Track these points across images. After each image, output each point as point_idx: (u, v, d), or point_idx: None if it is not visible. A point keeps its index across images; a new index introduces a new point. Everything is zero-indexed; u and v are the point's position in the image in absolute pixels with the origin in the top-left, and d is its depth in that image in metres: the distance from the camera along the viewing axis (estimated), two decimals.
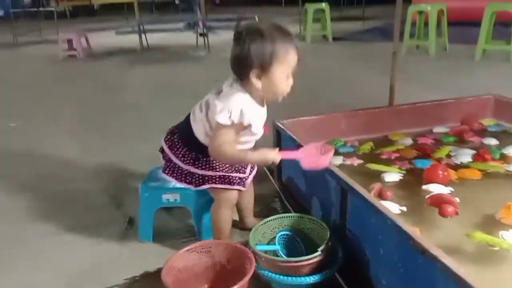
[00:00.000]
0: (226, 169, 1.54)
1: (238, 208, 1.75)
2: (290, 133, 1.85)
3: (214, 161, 1.52)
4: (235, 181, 1.55)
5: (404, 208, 1.60)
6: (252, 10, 14.18)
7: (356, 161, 2.01)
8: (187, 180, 1.55)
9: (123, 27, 11.16)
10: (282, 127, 1.95)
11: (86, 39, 7.49)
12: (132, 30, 10.00)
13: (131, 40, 8.69)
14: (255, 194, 1.80)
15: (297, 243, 1.52)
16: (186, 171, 1.54)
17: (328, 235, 1.39)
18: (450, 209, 1.53)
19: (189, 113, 1.56)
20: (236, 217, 1.77)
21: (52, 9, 11.78)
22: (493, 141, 2.14)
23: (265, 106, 1.51)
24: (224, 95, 1.41)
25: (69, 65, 6.64)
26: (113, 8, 17.12)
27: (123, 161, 2.56)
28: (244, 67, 1.37)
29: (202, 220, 1.70)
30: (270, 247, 1.46)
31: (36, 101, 4.32)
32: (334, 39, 7.76)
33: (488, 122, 2.39)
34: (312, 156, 1.43)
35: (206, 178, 1.53)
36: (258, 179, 2.10)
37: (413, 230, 1.10)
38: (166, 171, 1.57)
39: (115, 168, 2.48)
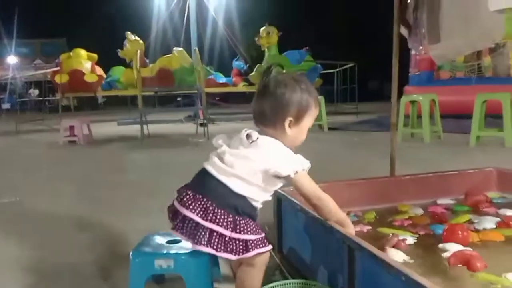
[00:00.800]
0: (260, 230, 1.44)
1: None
2: (293, 199, 1.78)
3: (251, 223, 1.40)
4: (267, 240, 1.45)
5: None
6: (250, 106, 14.80)
7: (365, 227, 1.93)
8: (229, 249, 1.36)
9: (126, 119, 11.52)
10: (284, 194, 1.89)
11: (88, 127, 7.68)
12: (134, 121, 10.31)
13: (132, 129, 8.91)
14: None
15: None
16: (227, 238, 1.35)
17: None
18: (479, 263, 1.45)
19: (202, 172, 1.46)
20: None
21: (57, 100, 12.23)
22: (508, 212, 2.06)
23: None
24: (263, 146, 1.40)
25: (69, 149, 6.71)
26: (116, 103, 17.87)
27: (118, 234, 2.45)
28: (281, 114, 1.41)
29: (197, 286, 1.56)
30: None
31: (34, 180, 4.28)
32: (330, 129, 7.98)
33: (492, 194, 2.34)
34: None
35: (250, 243, 1.37)
36: None
37: (431, 284, 1.00)
38: (203, 243, 1.34)
39: (108, 241, 2.36)
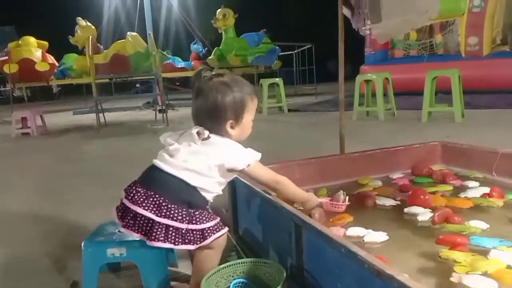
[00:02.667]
0: (214, 215, 1.47)
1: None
2: (245, 180, 1.81)
3: (204, 212, 1.43)
4: (222, 223, 1.49)
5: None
6: None
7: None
8: (187, 240, 1.37)
9: (81, 108, 11.19)
10: (236, 176, 1.91)
11: (41, 118, 7.42)
12: (90, 109, 10.03)
13: (88, 118, 8.67)
14: None
15: None
16: (184, 230, 1.37)
17: (284, 275, 1.31)
18: (457, 218, 1.69)
19: (152, 169, 1.45)
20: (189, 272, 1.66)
21: (8, 91, 11.71)
22: (471, 183, 2.14)
23: None
24: (216, 143, 1.46)
25: (22, 142, 6.47)
26: (72, 92, 17.26)
27: (71, 226, 2.42)
28: (218, 118, 1.45)
29: (152, 277, 1.57)
30: None
31: None
32: (289, 110, 8.06)
33: (437, 167, 2.45)
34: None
35: (206, 230, 1.40)
36: None
37: (368, 254, 1.06)
38: (161, 239, 1.35)
39: (61, 233, 2.33)
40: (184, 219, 1.37)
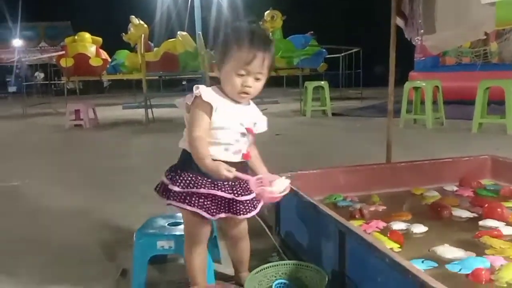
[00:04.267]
0: (184, 184, 1.41)
1: (232, 261, 1.68)
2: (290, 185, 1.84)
3: (177, 175, 1.43)
4: (195, 202, 1.40)
5: None
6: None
7: (380, 207, 2.04)
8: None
9: (131, 103, 11.59)
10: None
11: (93, 111, 7.75)
12: (139, 105, 10.38)
13: (137, 113, 8.98)
14: (251, 249, 1.73)
15: None
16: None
17: (326, 280, 1.35)
18: None
19: None
20: (231, 272, 1.71)
21: (65, 84, 12.30)
22: None
23: (246, 104, 1.49)
24: None
25: (74, 133, 6.80)
26: (121, 87, 17.90)
27: (120, 218, 2.53)
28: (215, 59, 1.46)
29: None
30: None
31: (41, 165, 4.38)
32: (333, 114, 8.01)
33: (486, 182, 2.39)
34: (262, 185, 1.37)
35: (171, 193, 1.42)
36: (256, 234, 2.07)
37: (411, 265, 1.07)
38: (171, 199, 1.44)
39: (112, 224, 2.45)
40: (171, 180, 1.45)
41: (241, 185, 1.45)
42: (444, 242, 1.63)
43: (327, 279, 1.36)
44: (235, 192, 1.43)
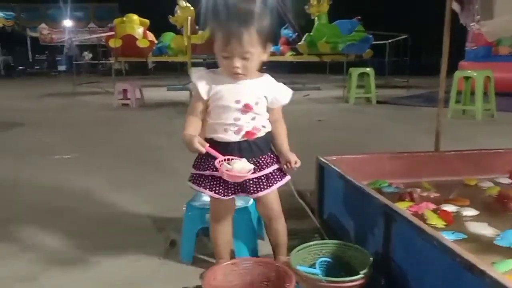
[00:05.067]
0: (196, 166, 1.52)
1: (270, 243, 1.68)
2: (336, 168, 1.86)
3: (196, 158, 1.52)
4: (205, 183, 1.48)
5: None
6: (299, 76, 14.70)
7: (432, 194, 2.05)
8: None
9: (175, 85, 11.81)
10: (326, 162, 1.97)
11: (140, 91, 7.97)
12: (182, 87, 10.55)
13: (181, 95, 9.15)
14: (293, 229, 1.75)
15: (338, 270, 1.49)
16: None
17: (371, 260, 1.37)
18: None
19: None
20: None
21: (112, 64, 12.65)
22: None
23: (250, 79, 1.46)
24: None
25: (122, 112, 7.05)
26: (165, 68, 18.23)
27: (166, 193, 2.63)
28: None
29: (243, 245, 1.70)
30: (311, 270, 1.44)
31: (92, 140, 4.60)
32: (378, 102, 7.85)
33: None
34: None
35: (192, 177, 1.54)
36: (298, 215, 2.13)
37: (460, 248, 1.08)
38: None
39: (160, 197, 2.56)
40: None
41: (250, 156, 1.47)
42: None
43: (371, 259, 1.38)
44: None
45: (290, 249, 1.64)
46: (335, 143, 4.17)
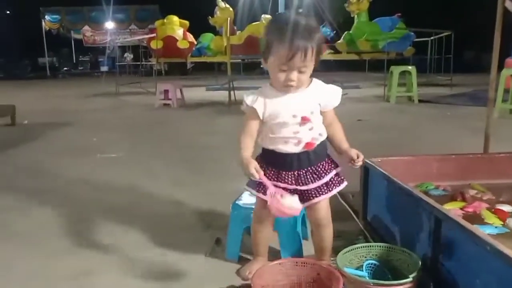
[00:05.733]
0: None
1: (314, 246, 1.70)
2: (382, 170, 1.84)
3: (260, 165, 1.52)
4: (259, 188, 1.52)
5: None
6: (340, 74, 14.55)
7: (486, 196, 2.02)
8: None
9: (213, 85, 11.97)
10: (372, 164, 1.96)
11: (181, 91, 8.14)
12: (221, 87, 10.69)
13: (220, 95, 9.28)
14: (337, 231, 1.75)
15: (385, 273, 1.48)
16: None
17: (420, 264, 1.36)
18: None
19: None
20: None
21: (152, 65, 12.95)
22: None
23: (301, 91, 1.48)
24: None
25: (164, 111, 7.23)
26: (203, 69, 18.50)
27: (210, 192, 2.70)
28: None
29: (289, 245, 1.72)
30: (358, 272, 1.45)
31: (135, 139, 4.75)
32: (420, 101, 7.67)
33: None
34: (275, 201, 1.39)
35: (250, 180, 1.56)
36: (342, 217, 2.12)
37: None
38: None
39: (205, 197, 2.61)
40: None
41: (307, 174, 1.51)
42: None
43: (420, 263, 1.37)
44: (299, 181, 1.51)
45: (334, 250, 1.66)
46: (377, 144, 4.10)
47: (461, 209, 1.93)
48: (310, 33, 1.38)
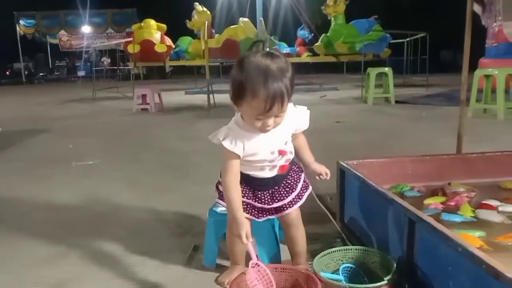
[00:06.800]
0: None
1: (289, 251, 1.70)
2: (357, 172, 1.86)
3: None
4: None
5: None
6: (319, 77, 14.67)
7: (471, 193, 2.07)
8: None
9: (192, 89, 11.92)
10: (347, 167, 1.97)
11: (159, 95, 8.07)
12: (200, 90, 10.66)
13: (199, 98, 9.24)
14: (310, 233, 1.75)
15: (361, 276, 1.49)
16: None
17: (395, 266, 1.37)
18: None
19: None
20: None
21: (130, 69, 12.83)
22: None
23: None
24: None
25: (142, 117, 7.16)
26: (182, 72, 18.42)
27: (191, 198, 2.67)
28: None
29: (266, 250, 1.72)
30: (334, 276, 1.45)
31: (113, 145, 4.68)
32: (397, 102, 7.79)
33: None
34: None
35: (220, 193, 1.58)
36: (319, 220, 2.13)
37: (486, 255, 1.08)
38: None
39: (183, 204, 2.59)
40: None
41: (280, 190, 1.55)
42: None
43: (395, 265, 1.38)
44: (274, 199, 1.55)
45: (311, 253, 1.67)
46: (355, 145, 4.16)
47: (442, 203, 2.00)
48: (283, 76, 1.29)
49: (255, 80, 1.27)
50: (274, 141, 1.46)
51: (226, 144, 1.41)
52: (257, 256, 1.40)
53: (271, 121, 1.35)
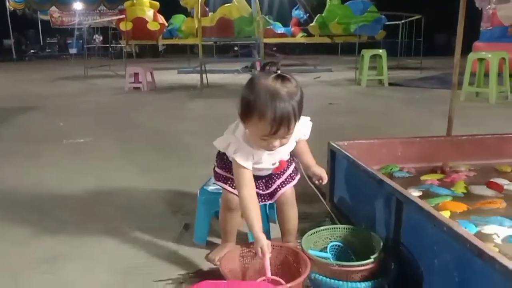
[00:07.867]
0: (226, 168, 1.60)
1: (280, 228, 1.73)
2: (346, 153, 1.87)
3: (225, 162, 1.59)
4: (227, 180, 1.60)
5: None
6: (313, 58, 14.56)
7: (471, 173, 2.13)
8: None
9: (185, 68, 11.81)
10: (338, 148, 1.98)
11: (151, 74, 8.00)
12: (193, 70, 10.57)
13: (191, 78, 9.18)
14: (304, 213, 1.79)
15: (349, 254, 1.52)
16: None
17: (381, 245, 1.39)
18: None
19: None
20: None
21: (122, 47, 12.67)
22: None
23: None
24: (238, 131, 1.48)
25: (134, 95, 7.09)
26: (176, 51, 18.23)
27: (181, 177, 2.68)
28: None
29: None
30: (322, 254, 1.47)
31: (105, 124, 4.65)
32: (390, 84, 7.79)
33: None
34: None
35: (216, 175, 1.63)
36: (309, 200, 2.15)
37: (470, 234, 1.10)
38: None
39: (174, 182, 2.60)
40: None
41: (273, 177, 1.61)
42: None
43: (382, 244, 1.40)
44: (268, 186, 1.62)
45: (301, 232, 1.69)
46: (347, 127, 4.17)
47: (439, 179, 2.05)
48: (291, 100, 1.29)
49: (263, 102, 1.28)
50: (279, 153, 1.53)
51: (239, 159, 1.44)
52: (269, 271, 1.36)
53: (277, 143, 1.37)
